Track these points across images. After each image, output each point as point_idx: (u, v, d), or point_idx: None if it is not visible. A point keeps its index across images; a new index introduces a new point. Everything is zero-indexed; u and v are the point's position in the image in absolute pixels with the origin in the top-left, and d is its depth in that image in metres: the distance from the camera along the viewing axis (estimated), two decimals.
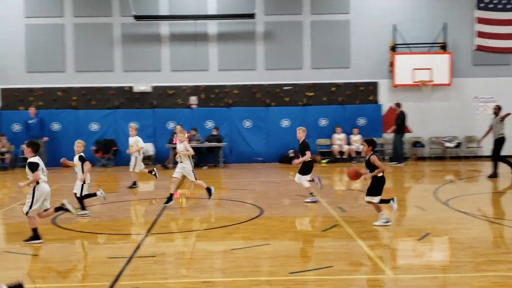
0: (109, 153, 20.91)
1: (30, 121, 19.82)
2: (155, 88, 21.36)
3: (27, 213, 8.55)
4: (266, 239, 8.64)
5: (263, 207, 11.41)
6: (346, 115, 21.69)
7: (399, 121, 20.01)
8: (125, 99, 21.34)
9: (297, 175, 12.02)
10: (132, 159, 14.52)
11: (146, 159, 20.39)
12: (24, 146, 10.08)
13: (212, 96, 21.52)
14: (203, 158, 20.35)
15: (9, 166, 20.22)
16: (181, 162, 11.88)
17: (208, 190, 11.92)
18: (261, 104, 21.59)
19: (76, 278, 7.05)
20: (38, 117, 20.01)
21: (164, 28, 21.37)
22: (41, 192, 8.55)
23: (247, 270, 7.09)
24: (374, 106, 21.81)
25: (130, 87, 21.26)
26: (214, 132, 20.44)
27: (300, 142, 12.03)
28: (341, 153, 21.24)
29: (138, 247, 8.27)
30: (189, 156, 11.96)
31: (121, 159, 20.78)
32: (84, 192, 10.87)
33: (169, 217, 10.80)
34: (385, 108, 21.74)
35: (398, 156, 19.90)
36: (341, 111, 21.70)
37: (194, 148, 20.39)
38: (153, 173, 14.31)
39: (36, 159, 8.61)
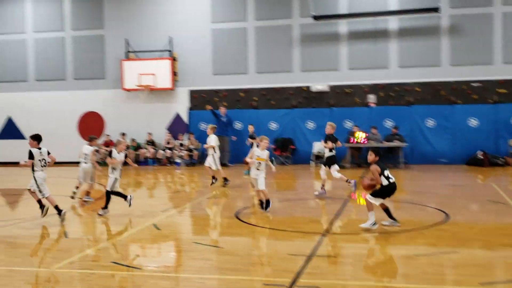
0: (287, 151, 21.35)
1: (221, 118, 21.04)
2: (333, 87, 21.29)
3: (44, 197, 10.15)
4: (452, 246, 8.07)
5: (448, 212, 10.65)
6: None
7: None
8: (302, 98, 21.61)
9: (333, 171, 12.47)
10: (209, 157, 14.94)
11: (322, 158, 20.45)
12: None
13: (392, 94, 20.81)
14: (382, 158, 19.74)
15: (197, 162, 21.65)
16: (258, 169, 10.94)
17: (268, 202, 10.97)
18: (445, 102, 20.35)
19: (258, 273, 7.16)
20: (227, 116, 21.17)
21: (343, 26, 21.20)
22: (39, 177, 10.09)
23: (432, 278, 6.65)
24: None
25: (308, 87, 21.46)
26: (394, 132, 19.73)
27: (327, 135, 12.59)
28: None
29: (317, 246, 8.19)
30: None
31: (298, 158, 21.15)
32: (116, 188, 10.99)
33: (347, 217, 10.59)
34: None
35: None
36: None
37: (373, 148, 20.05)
38: (213, 181, 14.70)
39: (34, 150, 10.09)
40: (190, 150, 21.86)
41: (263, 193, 10.92)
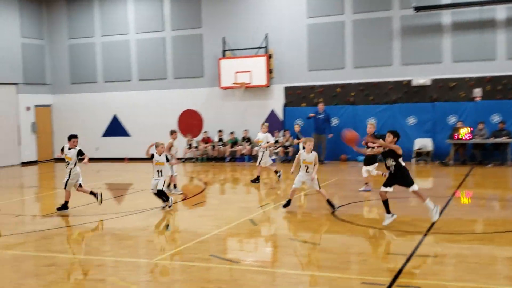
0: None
1: (318, 116, 20.88)
2: (435, 81, 20.42)
3: (65, 187, 11.17)
4: None
5: None
6: None
7: None
8: (403, 93, 20.90)
9: (365, 170, 12.79)
10: (260, 154, 15.33)
11: (425, 155, 19.74)
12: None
13: (499, 88, 19.61)
14: (488, 155, 18.70)
15: (292, 158, 21.64)
16: (307, 171, 10.66)
17: (329, 202, 10.72)
18: None
19: (356, 271, 7.02)
20: (325, 112, 20.95)
21: (446, 17, 20.26)
22: (75, 173, 11.14)
23: None
24: None
25: (408, 81, 20.74)
26: (501, 127, 18.60)
27: (369, 135, 12.51)
28: None
29: (418, 246, 7.88)
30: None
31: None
32: (163, 187, 11.35)
33: (450, 217, 10.11)
34: None
35: None
36: None
37: (478, 144, 19.11)
38: (278, 174, 15.40)
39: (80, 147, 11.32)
40: (285, 147, 21.90)
41: (320, 193, 10.78)
